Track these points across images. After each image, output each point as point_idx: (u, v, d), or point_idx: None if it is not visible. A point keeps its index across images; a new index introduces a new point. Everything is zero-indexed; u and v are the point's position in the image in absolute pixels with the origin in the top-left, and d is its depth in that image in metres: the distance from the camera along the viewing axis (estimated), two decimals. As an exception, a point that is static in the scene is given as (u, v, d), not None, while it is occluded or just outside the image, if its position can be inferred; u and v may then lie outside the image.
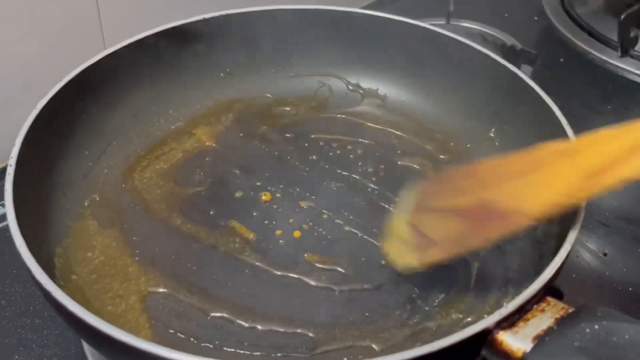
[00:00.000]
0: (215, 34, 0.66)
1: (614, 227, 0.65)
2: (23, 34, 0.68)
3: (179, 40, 0.64)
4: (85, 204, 0.56)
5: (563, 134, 0.52)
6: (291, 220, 0.57)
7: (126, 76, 0.62)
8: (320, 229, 0.56)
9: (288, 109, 0.68)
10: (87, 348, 0.53)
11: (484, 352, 0.40)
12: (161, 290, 0.51)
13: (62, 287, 0.41)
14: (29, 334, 0.54)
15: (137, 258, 0.53)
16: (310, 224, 0.56)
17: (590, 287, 0.59)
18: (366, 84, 0.69)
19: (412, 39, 0.66)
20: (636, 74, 0.83)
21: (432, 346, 0.37)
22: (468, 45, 0.63)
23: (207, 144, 0.64)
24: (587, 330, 0.37)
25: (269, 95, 0.69)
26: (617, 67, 0.84)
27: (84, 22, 0.72)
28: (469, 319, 0.48)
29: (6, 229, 0.62)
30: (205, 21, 0.64)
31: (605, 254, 0.62)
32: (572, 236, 0.44)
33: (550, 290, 0.42)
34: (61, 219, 0.54)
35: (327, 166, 0.62)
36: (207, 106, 0.67)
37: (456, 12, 0.90)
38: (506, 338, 0.39)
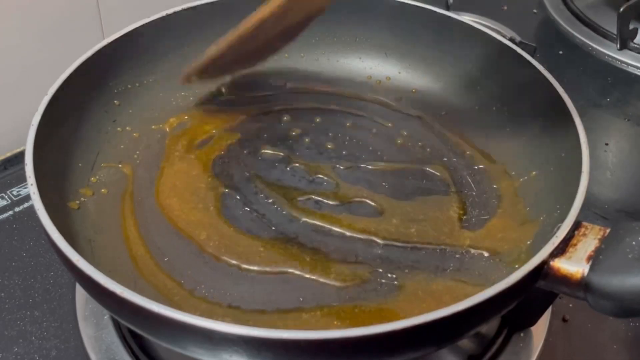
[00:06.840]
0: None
1: (613, 220, 0.65)
2: (22, 23, 0.68)
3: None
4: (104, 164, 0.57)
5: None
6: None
7: (151, 49, 0.62)
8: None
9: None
10: (86, 340, 0.53)
11: (541, 284, 0.41)
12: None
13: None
14: (28, 326, 0.54)
15: None
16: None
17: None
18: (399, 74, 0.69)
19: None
20: (635, 66, 0.83)
21: (489, 291, 0.37)
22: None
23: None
24: (634, 243, 0.39)
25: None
26: (616, 59, 0.84)
27: (83, 10, 0.72)
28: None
29: (5, 221, 0.62)
30: None
31: (604, 247, 0.62)
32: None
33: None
34: (82, 175, 0.54)
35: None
36: None
37: (455, 4, 0.89)
38: (562, 264, 0.40)
